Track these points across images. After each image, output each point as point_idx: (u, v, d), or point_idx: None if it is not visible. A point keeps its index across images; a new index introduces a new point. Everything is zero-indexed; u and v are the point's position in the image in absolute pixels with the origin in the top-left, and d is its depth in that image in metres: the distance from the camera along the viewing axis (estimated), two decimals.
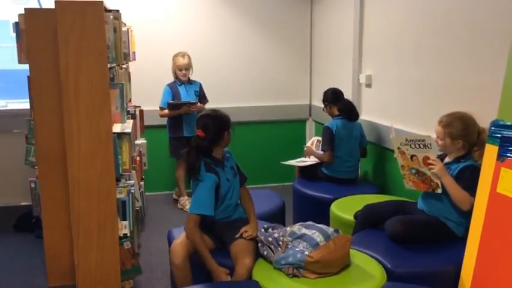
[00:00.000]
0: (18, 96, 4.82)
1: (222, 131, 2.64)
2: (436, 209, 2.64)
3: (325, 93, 4.13)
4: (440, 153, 2.78)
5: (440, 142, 2.66)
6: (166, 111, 4.50)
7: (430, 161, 2.59)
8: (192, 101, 4.43)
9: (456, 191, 2.53)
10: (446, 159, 2.71)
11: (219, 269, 2.45)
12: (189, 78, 4.55)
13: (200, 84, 4.66)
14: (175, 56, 4.49)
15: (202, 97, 4.64)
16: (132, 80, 4.28)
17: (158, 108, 4.53)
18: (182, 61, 4.44)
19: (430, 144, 2.59)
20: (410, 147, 2.64)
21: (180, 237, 2.59)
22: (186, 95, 4.51)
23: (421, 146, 2.60)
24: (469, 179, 2.51)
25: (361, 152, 4.04)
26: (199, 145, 2.61)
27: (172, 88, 4.53)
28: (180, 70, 4.46)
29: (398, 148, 2.70)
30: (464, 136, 2.61)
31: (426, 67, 3.31)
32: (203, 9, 5.00)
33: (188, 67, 4.48)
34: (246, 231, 2.59)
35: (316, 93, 5.20)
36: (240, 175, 2.79)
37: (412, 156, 2.66)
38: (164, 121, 4.97)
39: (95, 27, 2.31)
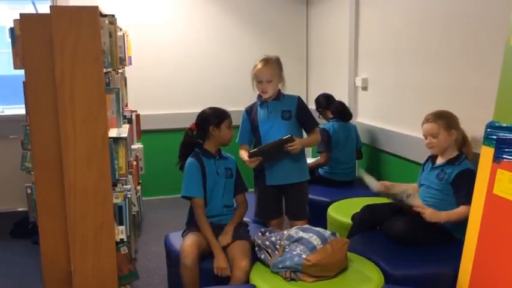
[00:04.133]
0: (14, 102, 4.81)
1: (207, 126, 2.74)
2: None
3: (317, 100, 4.17)
4: (433, 154, 2.79)
5: (435, 140, 2.65)
6: (244, 154, 2.90)
7: (418, 210, 2.56)
8: (283, 138, 2.77)
9: (456, 217, 2.53)
10: (439, 161, 2.71)
11: (222, 255, 2.51)
12: (278, 94, 2.95)
13: (297, 100, 2.98)
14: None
15: (304, 120, 2.98)
16: (129, 84, 4.28)
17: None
18: (260, 68, 2.88)
19: (414, 194, 2.57)
20: (398, 199, 2.65)
21: (189, 239, 2.58)
22: (266, 120, 2.93)
23: (404, 197, 2.59)
24: (467, 185, 2.48)
25: (357, 153, 4.05)
26: (186, 136, 2.81)
27: (250, 112, 3.04)
28: (259, 82, 2.89)
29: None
30: (456, 125, 2.64)
31: (422, 70, 3.32)
32: (199, 14, 5.01)
33: (270, 78, 2.86)
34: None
35: (313, 96, 5.19)
36: (238, 183, 2.80)
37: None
38: (162, 125, 4.98)
39: (90, 32, 2.31)
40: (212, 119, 2.75)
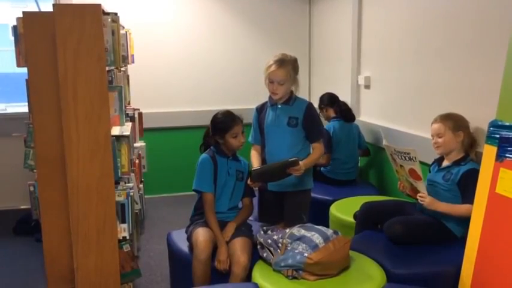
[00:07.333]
0: (17, 100, 4.82)
1: (213, 133, 2.79)
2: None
3: (322, 97, 4.17)
4: (437, 156, 2.78)
5: (440, 140, 2.65)
6: (254, 159, 2.91)
7: (419, 195, 2.58)
8: (289, 160, 2.64)
9: (456, 211, 2.53)
10: (445, 163, 2.70)
11: (224, 249, 2.55)
12: (290, 97, 2.83)
13: (306, 107, 2.82)
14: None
15: (309, 129, 2.81)
16: (131, 82, 4.28)
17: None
18: (274, 70, 2.72)
19: (415, 158, 2.53)
20: (398, 157, 2.65)
21: (202, 234, 2.58)
22: (273, 123, 2.83)
23: (407, 158, 2.58)
24: (474, 185, 2.44)
25: (363, 152, 4.05)
26: (204, 137, 2.88)
27: (260, 111, 2.95)
28: (271, 82, 2.76)
29: (391, 155, 2.72)
30: (464, 128, 2.63)
31: (425, 68, 3.31)
32: (201, 13, 5.00)
33: (283, 81, 2.72)
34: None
35: (315, 95, 5.20)
36: (247, 186, 2.80)
37: (401, 166, 2.67)
38: (164, 123, 4.98)
39: (93, 30, 2.31)
40: (217, 130, 2.77)
